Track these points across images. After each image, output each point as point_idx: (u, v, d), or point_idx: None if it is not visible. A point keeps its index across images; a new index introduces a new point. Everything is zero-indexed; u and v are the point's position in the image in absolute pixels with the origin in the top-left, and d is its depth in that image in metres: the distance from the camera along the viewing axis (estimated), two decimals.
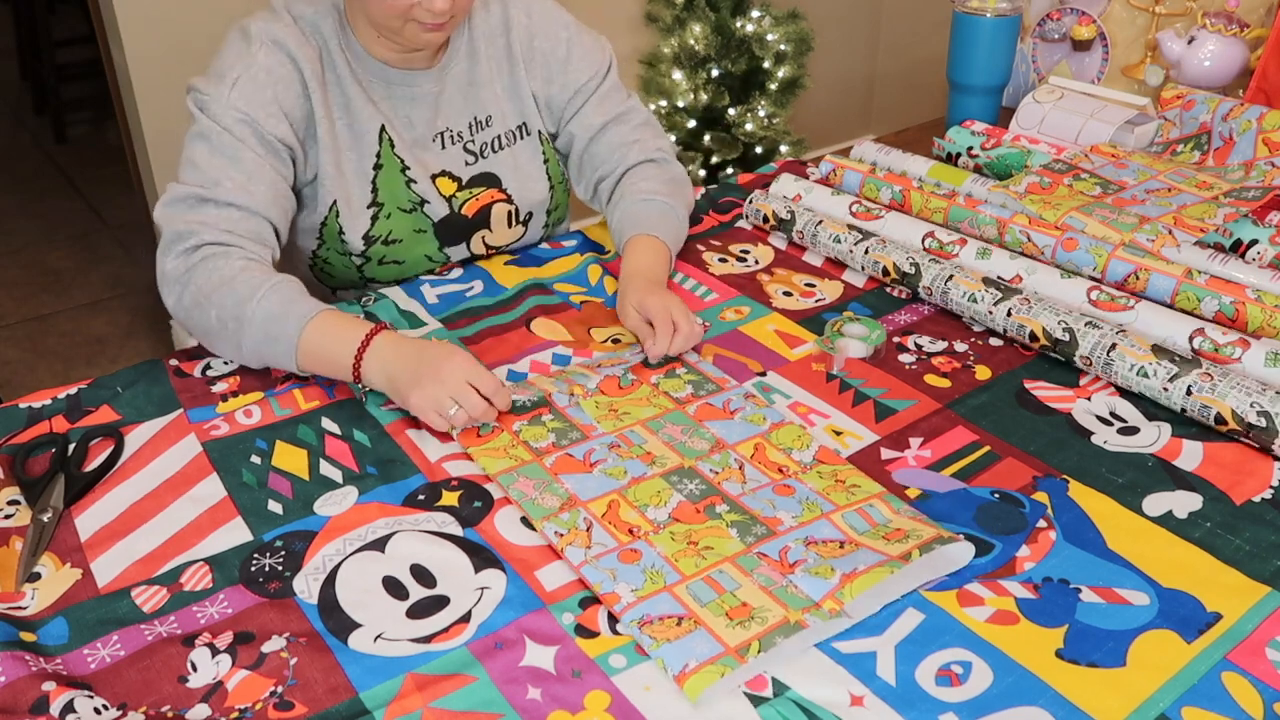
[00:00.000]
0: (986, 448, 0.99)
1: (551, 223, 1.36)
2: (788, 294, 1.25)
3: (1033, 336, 1.09)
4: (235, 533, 0.90)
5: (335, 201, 1.19)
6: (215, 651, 0.78)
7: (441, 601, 0.83)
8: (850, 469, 0.95)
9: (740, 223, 1.42)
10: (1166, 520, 0.90)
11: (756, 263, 1.32)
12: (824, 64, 3.04)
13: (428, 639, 0.79)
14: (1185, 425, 1.01)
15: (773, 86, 2.66)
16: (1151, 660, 0.77)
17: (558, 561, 0.86)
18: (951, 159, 1.52)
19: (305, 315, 1.03)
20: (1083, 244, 1.19)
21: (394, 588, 0.84)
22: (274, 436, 1.01)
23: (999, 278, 1.18)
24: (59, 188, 3.37)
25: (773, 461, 0.96)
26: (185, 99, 1.13)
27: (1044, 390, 1.07)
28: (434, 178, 1.24)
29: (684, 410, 1.03)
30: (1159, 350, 1.02)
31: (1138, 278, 1.15)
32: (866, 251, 1.25)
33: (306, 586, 0.84)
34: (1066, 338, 1.06)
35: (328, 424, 1.03)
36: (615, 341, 1.16)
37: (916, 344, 1.14)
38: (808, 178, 1.45)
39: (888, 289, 1.25)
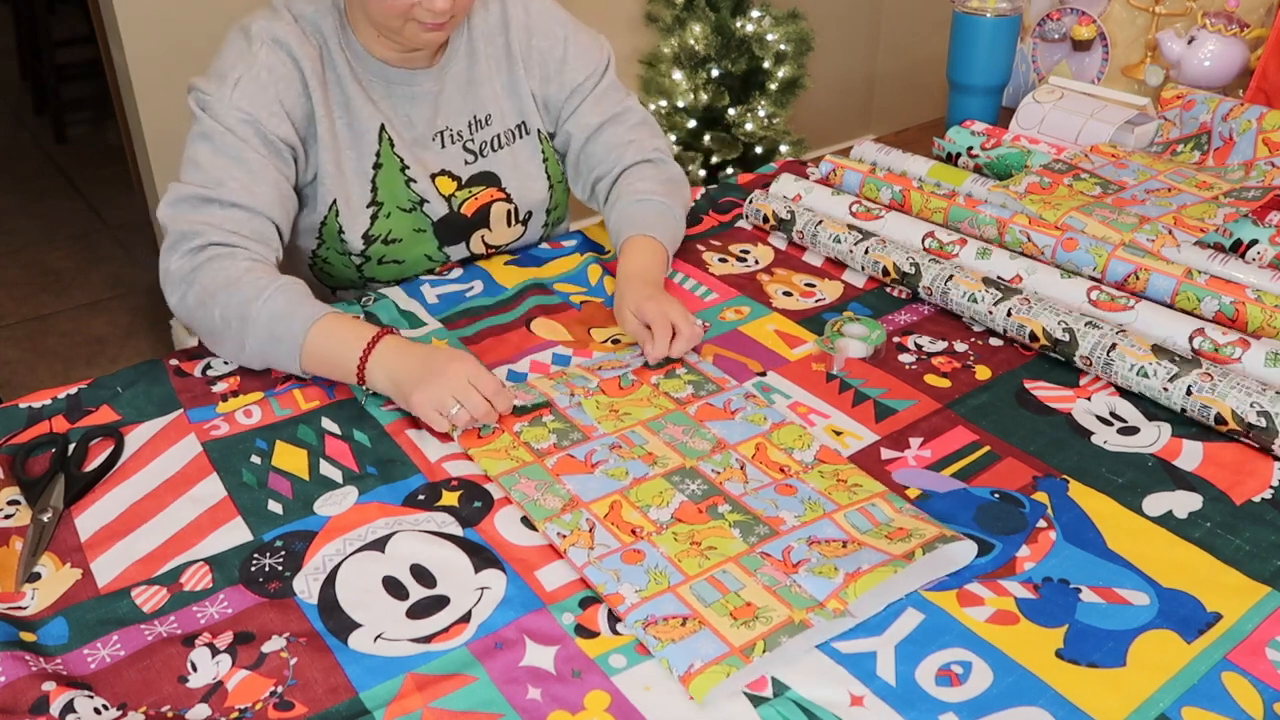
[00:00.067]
0: (986, 448, 0.99)
1: (551, 222, 1.36)
2: (788, 294, 1.25)
3: (1033, 336, 1.09)
4: (235, 533, 0.90)
5: (335, 201, 1.19)
6: (215, 651, 0.78)
7: (441, 601, 0.83)
8: (852, 468, 0.95)
9: (740, 223, 1.42)
10: (1166, 520, 0.90)
11: (756, 263, 1.32)
12: (824, 64, 3.04)
13: (428, 639, 0.79)
14: (1185, 425, 1.01)
15: (773, 86, 2.66)
16: (1151, 660, 0.77)
17: (558, 561, 0.86)
18: (951, 159, 1.52)
19: (311, 317, 1.03)
20: (1083, 244, 1.19)
21: (394, 588, 0.84)
22: (274, 436, 1.01)
23: (999, 278, 1.18)
24: (59, 188, 3.37)
25: (774, 461, 0.96)
26: (186, 99, 1.13)
27: (1044, 390, 1.07)
28: (433, 177, 1.24)
29: (685, 410, 1.03)
30: (1159, 350, 1.02)
31: (1138, 278, 1.15)
32: (866, 251, 1.25)
33: (306, 586, 0.84)
34: (1066, 338, 1.06)
35: (328, 424, 1.03)
36: (615, 342, 1.16)
37: (916, 344, 1.14)
38: (808, 178, 1.45)
39: (888, 289, 1.25)
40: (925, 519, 0.88)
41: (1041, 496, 0.92)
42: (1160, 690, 0.74)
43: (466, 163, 1.26)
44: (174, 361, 1.12)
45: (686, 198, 1.33)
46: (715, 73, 2.62)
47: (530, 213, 1.31)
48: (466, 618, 0.81)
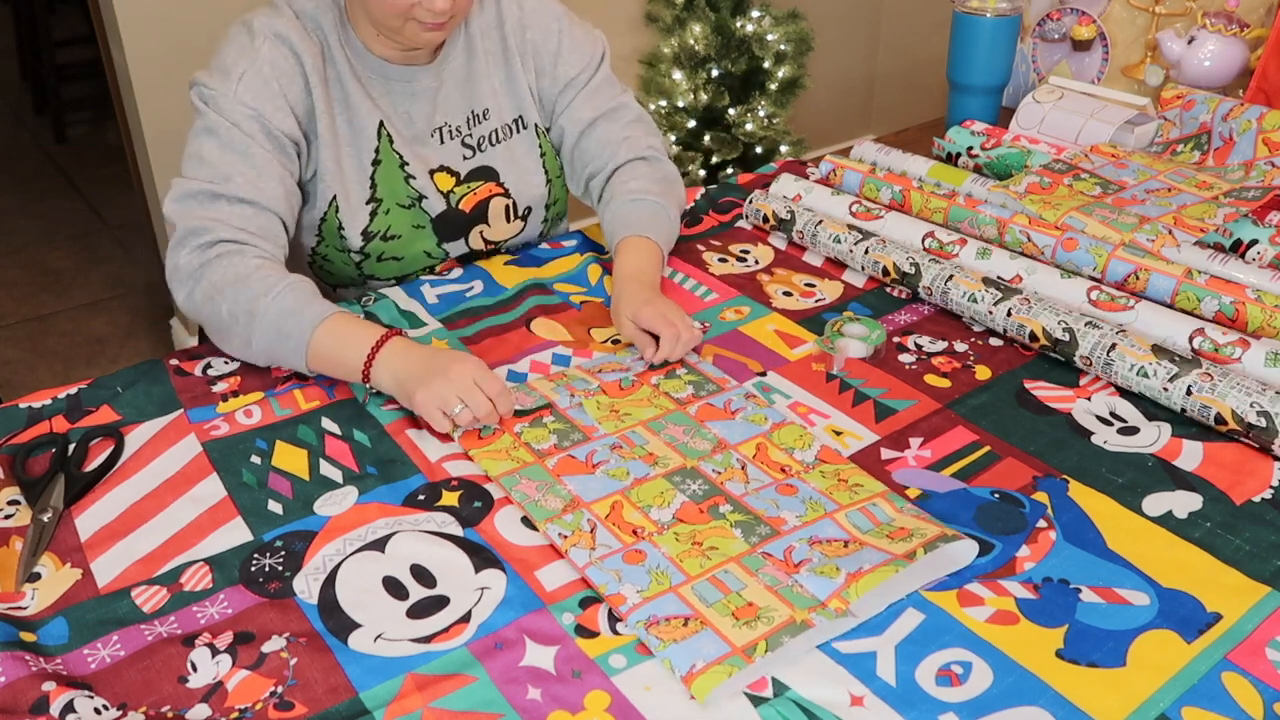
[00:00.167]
0: (986, 448, 0.99)
1: (551, 217, 1.36)
2: (788, 294, 1.25)
3: (1033, 336, 1.09)
4: (235, 533, 0.90)
5: (335, 197, 1.20)
6: (215, 651, 0.78)
7: (441, 601, 0.83)
8: (853, 468, 0.95)
9: (740, 223, 1.42)
10: (1166, 520, 0.90)
11: (756, 263, 1.32)
12: (824, 64, 3.04)
13: (428, 639, 0.79)
14: (1185, 425, 1.01)
15: (773, 86, 2.66)
16: (1151, 660, 0.77)
17: (558, 561, 0.86)
18: (951, 159, 1.52)
19: (318, 315, 1.03)
20: (1083, 244, 1.19)
21: (394, 588, 0.84)
22: (274, 436, 1.01)
23: (999, 278, 1.18)
24: (59, 188, 3.37)
25: (775, 461, 0.96)
26: (189, 93, 1.13)
27: (1044, 390, 1.07)
28: (432, 173, 1.24)
29: (685, 411, 1.03)
30: (1159, 350, 1.02)
31: (1138, 278, 1.15)
32: (866, 251, 1.25)
33: (306, 586, 0.84)
34: (1066, 338, 1.06)
35: (328, 424, 1.03)
36: (615, 342, 1.16)
37: (916, 344, 1.14)
38: (808, 178, 1.45)
39: (888, 289, 1.25)
40: (926, 518, 0.88)
41: (1041, 496, 0.92)
42: (1160, 690, 0.74)
43: (465, 158, 1.27)
44: (174, 361, 1.12)
45: (681, 197, 1.33)
46: (715, 73, 2.62)
47: (529, 208, 1.31)
48: (466, 618, 0.81)
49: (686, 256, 1.33)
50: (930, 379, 1.09)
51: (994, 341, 1.15)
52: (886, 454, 0.98)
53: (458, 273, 1.29)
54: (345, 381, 1.08)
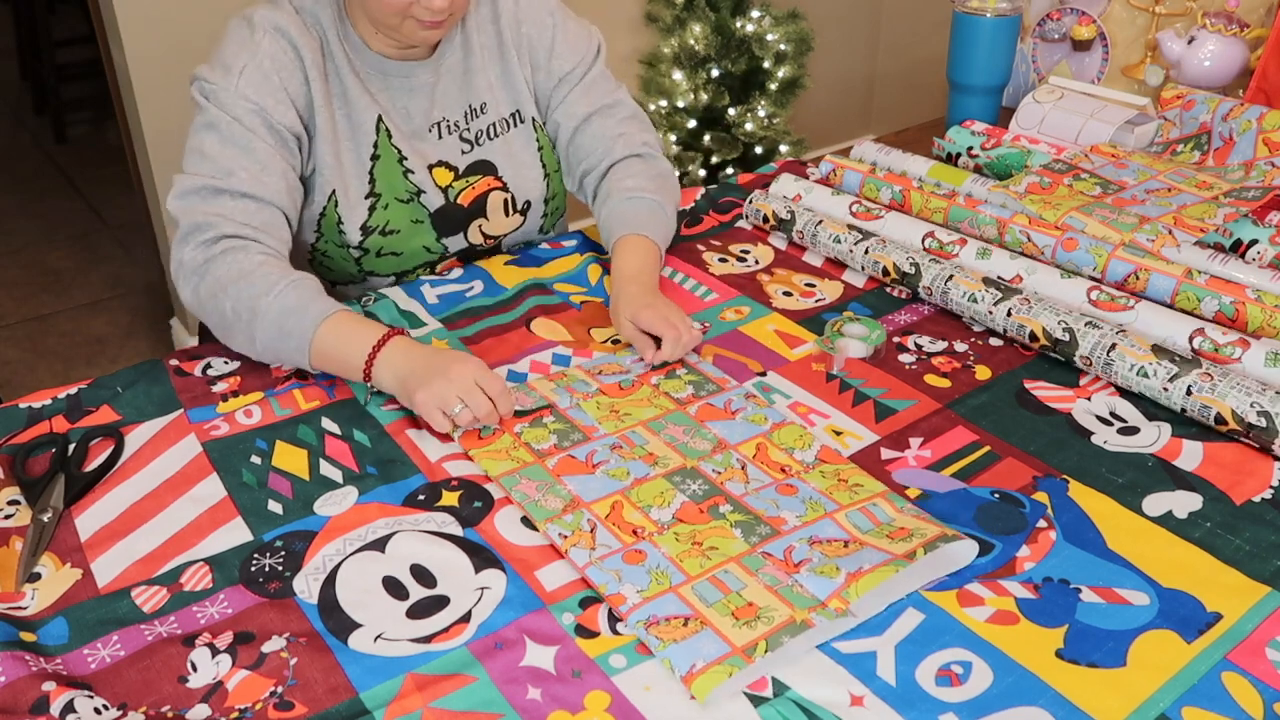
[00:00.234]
0: (986, 448, 0.99)
1: (550, 212, 1.36)
2: (788, 294, 1.25)
3: (1033, 336, 1.09)
4: (235, 533, 0.90)
5: (333, 192, 1.20)
6: (215, 651, 0.78)
7: (441, 601, 0.83)
8: (853, 468, 0.95)
9: (740, 223, 1.42)
10: (1166, 520, 0.90)
11: (756, 263, 1.32)
12: (824, 64, 3.04)
13: (428, 639, 0.79)
14: (1185, 425, 1.01)
15: (773, 86, 2.66)
16: (1151, 660, 0.77)
17: (558, 561, 0.86)
18: (951, 159, 1.52)
19: (321, 313, 1.03)
20: (1083, 244, 1.19)
21: (394, 588, 0.84)
22: (274, 436, 1.01)
23: (999, 278, 1.18)
24: (59, 188, 3.37)
25: (775, 461, 0.96)
26: (189, 89, 1.13)
27: (1044, 390, 1.07)
28: (431, 168, 1.24)
29: (685, 411, 1.03)
30: (1159, 350, 1.02)
31: (1138, 278, 1.15)
32: (866, 251, 1.25)
33: (306, 586, 0.84)
34: (1066, 338, 1.06)
35: (328, 424, 1.03)
36: (615, 342, 1.16)
37: (916, 344, 1.14)
38: (808, 178, 1.45)
39: (888, 289, 1.25)
40: (926, 518, 0.88)
41: (1041, 496, 0.92)
42: (1160, 690, 0.74)
43: (463, 153, 1.27)
44: (174, 361, 1.12)
45: (676, 195, 1.33)
46: (715, 73, 2.62)
47: (528, 202, 1.31)
48: (466, 618, 0.81)
49: (686, 256, 1.33)
50: (930, 379, 1.09)
51: (994, 341, 1.15)
52: (886, 454, 0.98)
53: (458, 273, 1.29)
54: (346, 381, 1.08)
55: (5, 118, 3.87)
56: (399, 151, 1.22)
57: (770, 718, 0.73)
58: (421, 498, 0.93)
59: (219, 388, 1.08)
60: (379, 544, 0.88)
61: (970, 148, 1.51)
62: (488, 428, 1.00)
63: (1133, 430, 1.01)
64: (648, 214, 1.25)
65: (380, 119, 1.21)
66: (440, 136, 1.26)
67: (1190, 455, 0.97)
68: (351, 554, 0.87)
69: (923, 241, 1.26)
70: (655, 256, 1.22)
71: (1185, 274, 1.12)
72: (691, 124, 2.65)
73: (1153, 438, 0.99)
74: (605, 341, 1.16)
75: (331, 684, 0.76)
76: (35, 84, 3.77)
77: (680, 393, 1.06)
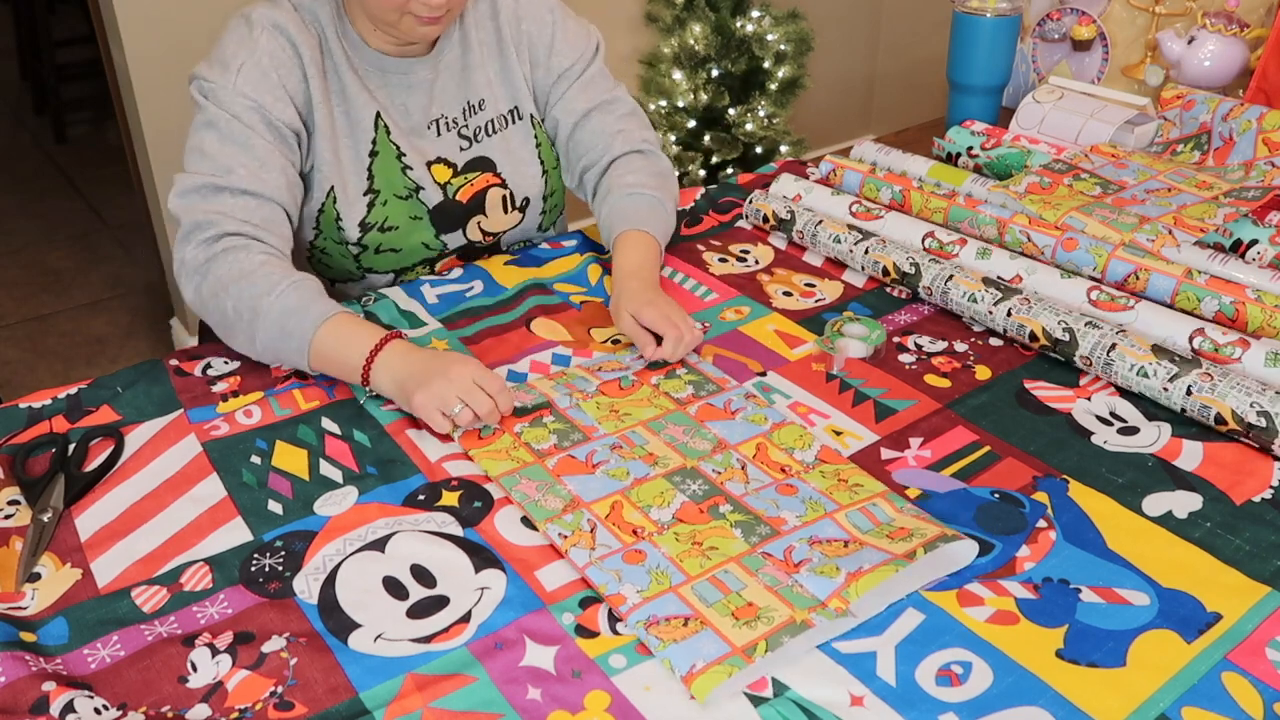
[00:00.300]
0: (986, 448, 0.99)
1: (548, 209, 1.36)
2: (788, 294, 1.25)
3: (1033, 336, 1.09)
4: (235, 533, 0.90)
5: (332, 188, 1.20)
6: (215, 651, 0.78)
7: (441, 601, 0.83)
8: (853, 468, 0.95)
9: (740, 223, 1.42)
10: (1166, 520, 0.90)
11: (756, 263, 1.32)
12: (824, 64, 3.04)
13: (428, 639, 0.79)
14: (1185, 425, 1.01)
15: (773, 86, 2.66)
16: (1151, 660, 0.77)
17: (558, 561, 0.86)
18: (951, 159, 1.52)
19: (322, 314, 1.03)
20: (1083, 244, 1.19)
21: (394, 588, 0.84)
22: (274, 436, 1.01)
23: (999, 278, 1.18)
24: (59, 188, 3.37)
25: (775, 461, 0.96)
26: (188, 87, 1.14)
27: (1044, 390, 1.07)
28: (429, 165, 1.25)
29: (685, 411, 1.03)
30: (1159, 350, 1.02)
31: (1138, 278, 1.15)
32: (866, 251, 1.25)
33: (306, 586, 0.84)
34: (1066, 338, 1.06)
35: (328, 424, 1.03)
36: (615, 342, 1.16)
37: (916, 344, 1.14)
38: (808, 178, 1.45)
39: (888, 289, 1.25)
40: (926, 518, 0.88)
41: (1041, 496, 0.92)
42: (1160, 690, 0.74)
43: (461, 149, 1.27)
44: (174, 361, 1.12)
45: (676, 191, 1.33)
46: (715, 73, 2.62)
47: (527, 199, 1.31)
48: (466, 618, 0.81)
49: (686, 256, 1.33)
50: (930, 379, 1.09)
51: (994, 341, 1.15)
52: (886, 454, 0.98)
53: (457, 273, 1.29)
54: (345, 382, 1.08)
55: (5, 118, 3.87)
56: (397, 148, 1.22)
57: (770, 718, 0.73)
58: (421, 498, 0.93)
59: (219, 388, 1.08)
60: (379, 544, 0.88)
61: (970, 148, 1.51)
62: (487, 428, 1.00)
63: (1133, 430, 1.01)
64: (648, 210, 1.25)
65: (379, 115, 1.21)
66: (439, 133, 1.26)
67: (1190, 455, 0.97)
68: (351, 554, 0.87)
69: (923, 241, 1.26)
70: (656, 252, 1.22)
71: (1185, 274, 1.12)
72: (691, 124, 2.65)
73: (1153, 438, 0.99)
74: (605, 341, 1.16)
75: (331, 684, 0.76)
76: (35, 84, 3.77)
77: (680, 393, 1.06)
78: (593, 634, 0.80)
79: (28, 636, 0.79)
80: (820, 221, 1.30)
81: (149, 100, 2.12)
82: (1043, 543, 0.87)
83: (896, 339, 1.15)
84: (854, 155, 1.50)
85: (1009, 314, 1.11)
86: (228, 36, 1.14)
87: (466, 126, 1.27)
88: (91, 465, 0.97)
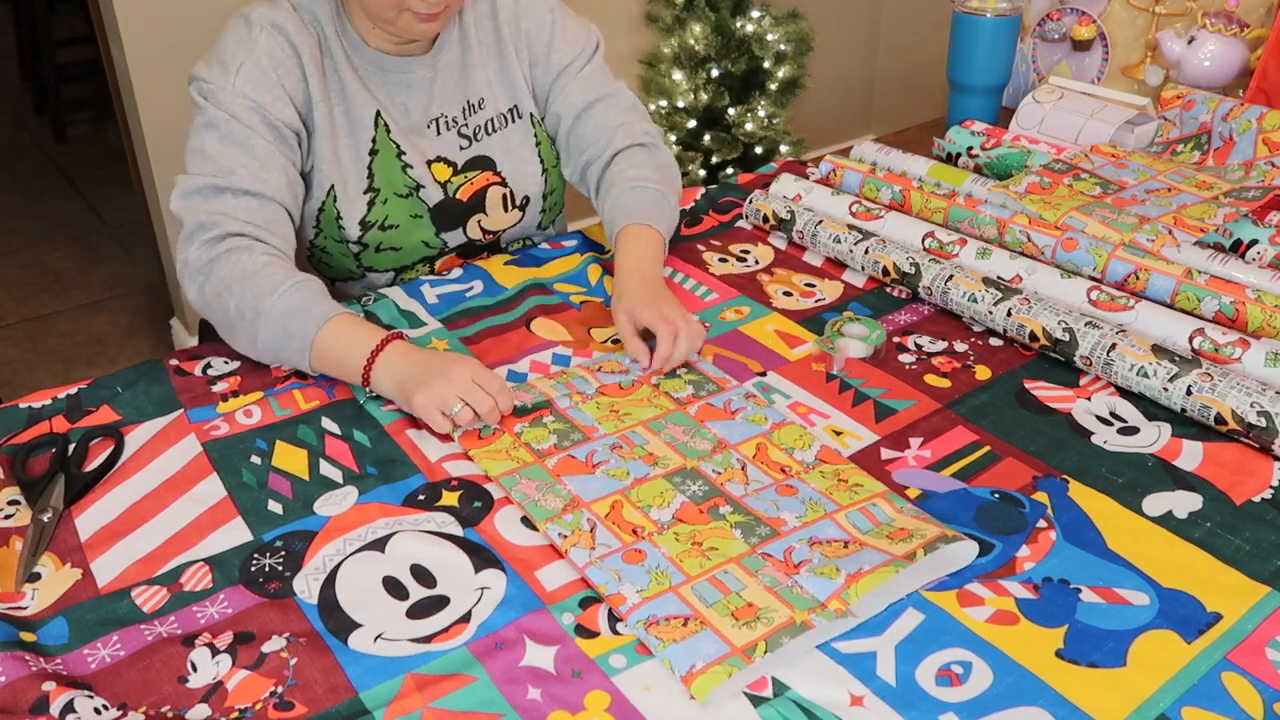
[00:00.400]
0: (986, 448, 0.99)
1: (548, 208, 1.36)
2: (788, 294, 1.25)
3: (1033, 336, 1.09)
4: (235, 533, 0.90)
5: (332, 187, 1.20)
6: (215, 651, 0.78)
7: (441, 601, 0.83)
8: (853, 468, 0.95)
9: (740, 223, 1.42)
10: (1166, 520, 0.90)
11: (756, 263, 1.32)
12: (824, 64, 3.04)
13: (428, 639, 0.79)
14: (1185, 425, 1.01)
15: (773, 86, 2.66)
16: (1151, 660, 0.77)
17: (558, 561, 0.86)
18: (951, 159, 1.52)
19: (324, 315, 1.03)
20: (1083, 244, 1.19)
21: (394, 588, 0.84)
22: (274, 436, 1.01)
23: (999, 278, 1.18)
24: (59, 188, 3.37)
25: (775, 461, 0.96)
26: (188, 88, 1.14)
27: (1044, 390, 1.07)
28: (429, 163, 1.25)
29: (685, 411, 1.03)
30: (1159, 350, 1.02)
31: (1138, 278, 1.15)
32: (866, 251, 1.25)
33: (306, 586, 0.84)
34: (1066, 338, 1.06)
35: (328, 424, 1.03)
36: (615, 342, 1.16)
37: (916, 344, 1.14)
38: (808, 178, 1.45)
39: (888, 289, 1.25)
40: (926, 519, 0.88)
41: (1041, 496, 0.92)
42: (1160, 690, 0.74)
43: (461, 148, 1.27)
44: (174, 361, 1.12)
45: (679, 185, 1.33)
46: (715, 73, 2.62)
47: (527, 198, 1.31)
48: (466, 618, 0.81)
49: (686, 256, 1.33)
50: (930, 379, 1.09)
51: (994, 341, 1.15)
52: (886, 454, 0.98)
53: (458, 273, 1.29)
54: (345, 382, 1.08)
55: (5, 118, 3.87)
56: (397, 146, 1.22)
57: (770, 718, 0.73)
58: (421, 498, 0.93)
59: (219, 388, 1.08)
60: (379, 544, 0.88)
61: (970, 148, 1.51)
62: (487, 428, 1.00)
63: (1133, 430, 1.01)
64: (652, 204, 1.24)
65: (378, 114, 1.21)
66: (439, 132, 1.26)
67: (1190, 455, 0.97)
68: (351, 554, 0.87)
69: (923, 241, 1.26)
70: (659, 247, 1.22)
71: (1185, 274, 1.12)
72: (691, 124, 2.65)
73: (1153, 438, 0.99)
74: (605, 341, 1.16)
75: (331, 684, 0.76)
76: (35, 84, 3.77)
77: (680, 392, 1.06)
78: (593, 634, 0.80)
79: (28, 636, 0.79)
80: (820, 221, 1.30)
81: (149, 100, 2.12)
82: (1043, 543, 0.87)
83: (896, 339, 1.15)
84: (854, 155, 1.50)
85: (1009, 314, 1.11)
86: (227, 36, 1.15)
87: (466, 125, 1.27)
88: (91, 465, 0.97)
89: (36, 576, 0.86)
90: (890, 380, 1.08)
